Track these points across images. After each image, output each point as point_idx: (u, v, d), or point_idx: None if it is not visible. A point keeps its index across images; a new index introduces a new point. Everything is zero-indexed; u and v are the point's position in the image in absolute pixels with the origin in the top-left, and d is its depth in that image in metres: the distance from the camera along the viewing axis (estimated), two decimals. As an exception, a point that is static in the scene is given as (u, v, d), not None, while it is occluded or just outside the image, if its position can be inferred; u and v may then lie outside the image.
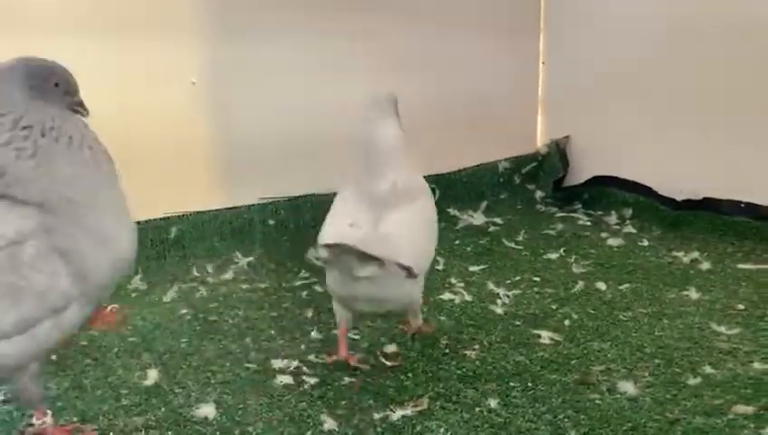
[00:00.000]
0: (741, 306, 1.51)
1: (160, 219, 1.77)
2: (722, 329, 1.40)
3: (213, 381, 1.24)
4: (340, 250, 1.13)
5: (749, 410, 1.07)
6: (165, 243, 1.78)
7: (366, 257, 1.12)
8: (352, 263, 1.14)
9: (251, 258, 1.83)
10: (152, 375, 1.24)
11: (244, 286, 1.69)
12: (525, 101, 2.52)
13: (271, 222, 1.93)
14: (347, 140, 2.05)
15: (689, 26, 2.03)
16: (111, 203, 0.96)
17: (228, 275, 1.75)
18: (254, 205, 1.92)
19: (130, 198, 1.75)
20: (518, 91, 2.48)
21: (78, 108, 0.99)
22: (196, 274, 1.75)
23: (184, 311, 1.54)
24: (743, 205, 1.96)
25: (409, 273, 1.20)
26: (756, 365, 1.24)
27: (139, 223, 1.77)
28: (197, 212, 1.84)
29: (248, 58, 1.87)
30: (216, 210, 1.87)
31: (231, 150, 1.89)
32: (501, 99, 2.41)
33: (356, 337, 1.42)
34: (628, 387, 1.17)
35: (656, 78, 2.15)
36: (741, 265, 1.76)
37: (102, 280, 0.93)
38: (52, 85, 0.96)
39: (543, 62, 2.49)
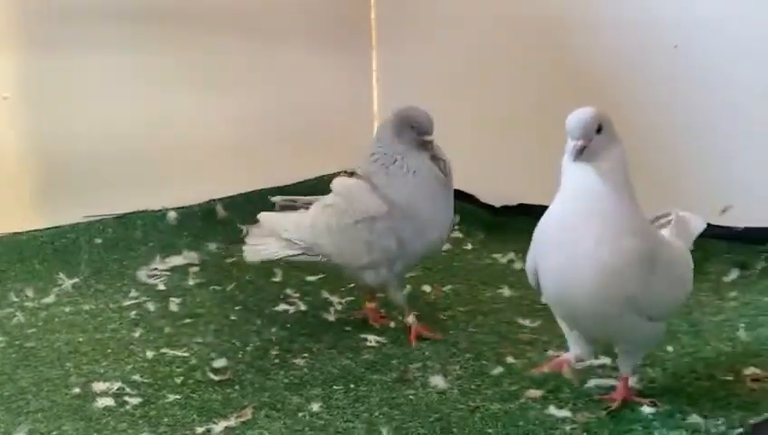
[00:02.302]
0: (545, 301, 1.68)
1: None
2: (526, 322, 1.55)
3: (26, 410, 1.19)
4: None
5: (538, 393, 1.21)
6: (-22, 266, 1.67)
7: None
8: None
9: (76, 280, 1.75)
10: (-44, 410, 1.17)
11: (68, 309, 1.63)
12: (362, 114, 2.62)
13: (98, 241, 1.87)
14: (173, 154, 2.06)
15: (512, 34, 2.18)
16: (431, 211, 1.45)
17: (50, 299, 1.67)
18: (78, 223, 1.85)
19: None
20: (355, 105, 2.58)
21: (424, 145, 1.43)
22: (13, 298, 1.66)
23: (-2, 338, 1.46)
24: (551, 209, 2.17)
25: None
26: (550, 353, 1.38)
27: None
28: (14, 233, 1.74)
29: (66, 72, 1.81)
30: (36, 231, 1.78)
31: (51, 167, 1.82)
32: (339, 113, 2.50)
33: (184, 354, 1.42)
34: (439, 381, 1.27)
35: (477, 95, 2.33)
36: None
37: (414, 255, 1.47)
38: (408, 128, 1.42)
39: (378, 79, 2.61)
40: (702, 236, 1.88)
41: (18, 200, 1.76)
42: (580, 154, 1.05)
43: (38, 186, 1.80)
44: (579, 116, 1.07)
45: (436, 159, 1.46)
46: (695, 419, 1.09)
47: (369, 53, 2.60)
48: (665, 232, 1.20)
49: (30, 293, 1.69)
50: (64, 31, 1.80)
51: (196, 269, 1.88)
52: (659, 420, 1.10)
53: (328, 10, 2.41)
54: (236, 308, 1.65)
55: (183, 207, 2.01)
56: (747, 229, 1.82)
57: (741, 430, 1.04)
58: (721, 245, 1.81)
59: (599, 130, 1.07)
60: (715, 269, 1.74)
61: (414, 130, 1.42)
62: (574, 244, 1.04)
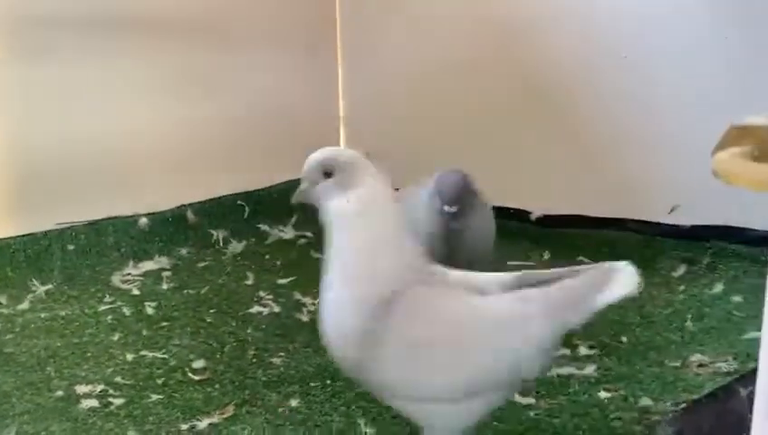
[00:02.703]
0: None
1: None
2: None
3: (12, 413, 1.22)
4: None
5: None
6: (-49, 275, 1.68)
7: None
8: None
9: (49, 286, 1.77)
10: (-59, 415, 1.20)
11: (43, 315, 1.65)
12: (328, 120, 2.69)
13: (70, 247, 1.89)
14: (144, 161, 2.09)
15: (477, 37, 2.26)
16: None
17: (25, 305, 1.69)
18: (51, 230, 1.87)
19: None
20: (321, 111, 2.64)
21: (444, 214, 1.30)
22: (-13, 306, 1.68)
23: (-24, 345, 1.48)
24: (512, 210, 2.27)
25: None
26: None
27: None
28: (-14, 241, 1.76)
29: (38, 82, 1.83)
30: (8, 238, 1.80)
31: (22, 175, 1.83)
32: (306, 119, 2.56)
33: (163, 356, 1.46)
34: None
35: (440, 102, 2.42)
36: (510, 262, 2.03)
37: None
38: (437, 194, 1.31)
39: (343, 86, 2.68)
40: (652, 234, 2.04)
41: (-10, 208, 1.78)
42: (299, 197, 0.99)
43: (9, 194, 1.81)
44: (309, 157, 0.98)
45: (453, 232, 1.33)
46: (646, 401, 1.19)
47: (335, 58, 2.67)
48: (515, 295, 0.93)
49: (3, 300, 1.70)
50: (36, 41, 1.82)
51: (168, 274, 1.92)
52: (614, 404, 1.20)
53: (294, 17, 2.47)
54: (211, 311, 1.69)
55: (154, 213, 2.04)
56: (693, 227, 1.95)
57: (684, 405, 1.14)
58: (670, 242, 1.94)
59: (328, 175, 0.96)
60: (665, 265, 1.86)
61: (439, 199, 1.32)
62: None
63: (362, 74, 2.62)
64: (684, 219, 1.95)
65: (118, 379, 1.35)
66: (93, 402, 1.26)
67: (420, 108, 2.45)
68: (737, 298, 1.62)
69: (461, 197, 1.32)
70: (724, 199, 1.87)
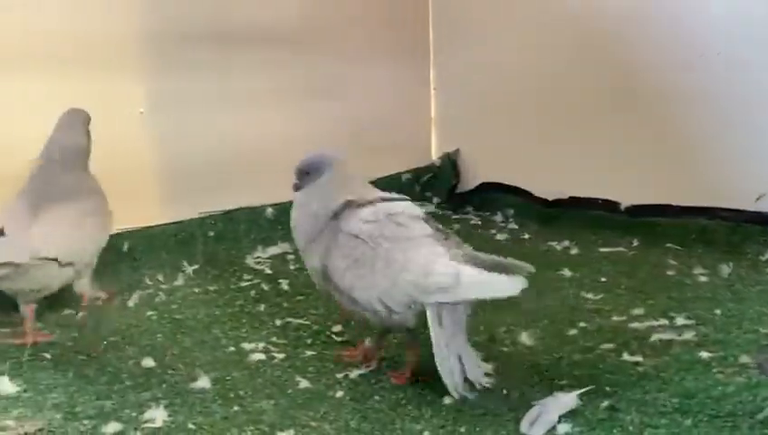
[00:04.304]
0: (603, 279, 1.94)
1: (114, 234, 1.95)
2: (590, 296, 1.81)
3: (198, 363, 1.47)
4: None
5: (611, 346, 1.48)
6: (119, 255, 1.96)
7: None
8: None
9: (196, 266, 2.04)
10: (143, 363, 1.46)
11: (197, 290, 1.91)
12: (421, 121, 2.91)
13: (210, 233, 2.17)
14: (269, 159, 2.35)
15: (564, 38, 2.43)
16: None
17: (179, 282, 1.96)
18: (194, 219, 2.15)
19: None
20: (415, 113, 2.87)
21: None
22: (148, 282, 1.95)
23: (150, 313, 1.74)
24: (600, 201, 2.42)
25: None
26: (614, 318, 1.65)
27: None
28: (146, 227, 2.05)
29: (186, 89, 2.12)
30: (163, 225, 2.09)
31: (173, 171, 2.12)
32: (401, 120, 2.79)
33: (306, 322, 1.69)
34: (525, 339, 1.54)
35: (525, 99, 2.59)
36: (601, 249, 2.20)
37: None
38: None
39: (435, 88, 2.89)
40: (739, 221, 2.16)
41: (149, 199, 2.07)
42: None
43: (162, 188, 2.11)
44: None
45: None
46: (745, 359, 1.35)
47: (428, 66, 2.89)
48: None
49: (161, 277, 1.98)
50: (184, 57, 2.11)
51: (291, 257, 2.16)
52: (716, 361, 1.36)
53: (391, 31, 2.71)
54: (336, 288, 1.92)
55: (278, 204, 2.30)
56: (779, 214, 2.07)
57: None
58: (756, 228, 2.06)
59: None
60: (752, 250, 2.00)
61: None
62: None
63: (452, 79, 2.82)
64: (770, 206, 2.07)
65: (274, 339, 1.59)
66: (261, 356, 1.49)
67: (508, 107, 2.63)
68: (823, 277, 1.75)
69: (300, 172, 1.57)
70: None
